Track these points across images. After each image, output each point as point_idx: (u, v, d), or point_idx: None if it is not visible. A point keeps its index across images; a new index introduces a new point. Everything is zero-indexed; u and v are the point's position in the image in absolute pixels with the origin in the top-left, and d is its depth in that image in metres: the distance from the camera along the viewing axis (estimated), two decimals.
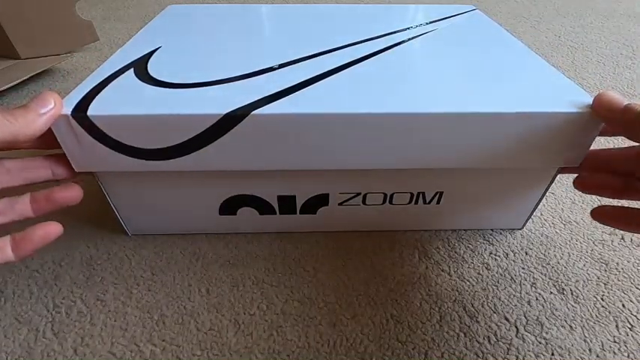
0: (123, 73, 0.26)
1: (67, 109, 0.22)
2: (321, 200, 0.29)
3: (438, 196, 0.29)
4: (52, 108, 0.21)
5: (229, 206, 0.29)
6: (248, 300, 0.27)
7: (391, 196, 0.29)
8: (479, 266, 0.30)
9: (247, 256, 0.30)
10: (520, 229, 0.32)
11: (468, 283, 0.28)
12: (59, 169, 0.24)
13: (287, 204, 0.29)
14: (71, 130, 0.22)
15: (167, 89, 0.24)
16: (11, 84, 0.48)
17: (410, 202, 0.30)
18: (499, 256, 0.30)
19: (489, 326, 0.26)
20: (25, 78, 0.50)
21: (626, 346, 0.25)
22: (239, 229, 0.31)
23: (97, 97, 0.23)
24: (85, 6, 0.83)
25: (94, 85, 0.25)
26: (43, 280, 0.28)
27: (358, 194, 0.29)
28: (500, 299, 0.27)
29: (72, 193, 0.24)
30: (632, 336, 0.25)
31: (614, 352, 0.24)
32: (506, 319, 0.26)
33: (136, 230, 0.31)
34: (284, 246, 0.31)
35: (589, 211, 0.35)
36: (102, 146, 0.23)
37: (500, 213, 0.31)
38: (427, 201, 0.30)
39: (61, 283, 0.28)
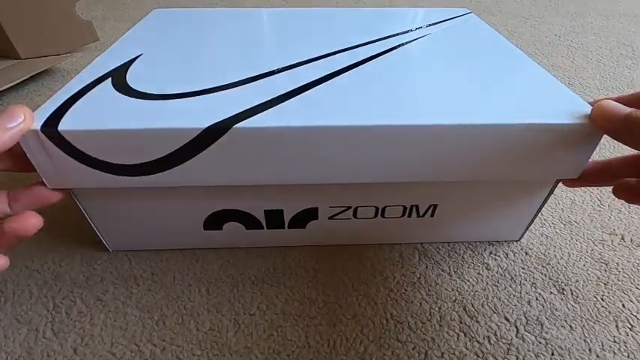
0: (100, 83, 0.25)
1: (37, 124, 0.21)
2: (311, 214, 0.28)
3: (432, 209, 0.28)
4: (20, 122, 0.20)
5: (214, 221, 0.28)
6: (248, 300, 0.27)
7: (383, 209, 0.28)
8: (479, 266, 0.30)
9: (247, 256, 0.30)
10: (517, 241, 0.32)
11: (468, 283, 0.28)
12: (17, 205, 0.22)
13: (275, 218, 0.28)
14: (41, 146, 0.21)
15: (146, 101, 0.23)
16: (11, 84, 0.48)
17: (403, 215, 0.29)
18: (499, 256, 0.30)
19: (489, 326, 0.26)
20: (25, 78, 0.50)
21: (626, 346, 0.25)
22: (226, 245, 0.30)
23: (70, 109, 0.22)
24: (85, 6, 0.83)
25: (68, 96, 0.23)
26: (43, 280, 0.28)
27: (349, 208, 0.28)
28: (500, 299, 0.27)
29: (30, 222, 0.21)
30: (632, 336, 0.25)
31: (614, 352, 0.24)
32: (506, 319, 0.26)
33: (117, 246, 0.30)
34: (284, 246, 0.31)
35: (589, 211, 0.35)
36: (75, 162, 0.22)
37: (497, 225, 0.30)
38: (421, 214, 0.29)
39: (61, 283, 0.28)
